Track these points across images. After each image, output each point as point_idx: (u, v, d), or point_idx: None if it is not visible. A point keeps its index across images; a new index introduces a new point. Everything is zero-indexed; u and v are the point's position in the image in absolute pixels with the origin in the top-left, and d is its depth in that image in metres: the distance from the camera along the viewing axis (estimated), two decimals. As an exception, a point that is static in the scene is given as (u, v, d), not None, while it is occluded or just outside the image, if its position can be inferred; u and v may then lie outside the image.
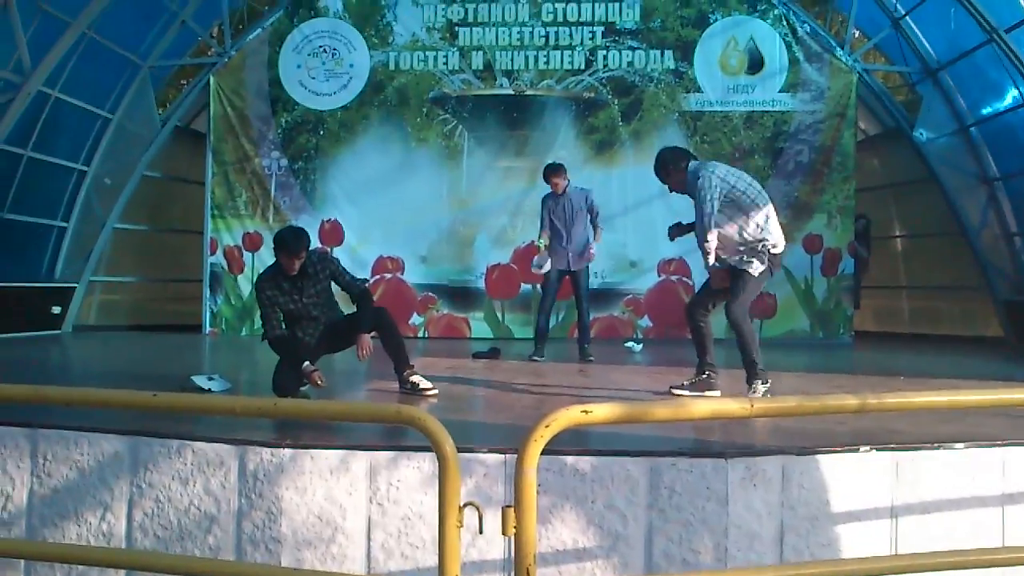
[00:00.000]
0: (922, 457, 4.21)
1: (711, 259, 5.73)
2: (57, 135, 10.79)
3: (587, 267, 8.52)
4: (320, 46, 11.63)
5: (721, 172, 5.74)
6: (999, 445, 4.30)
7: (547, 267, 8.49)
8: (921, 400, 3.20)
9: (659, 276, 11.16)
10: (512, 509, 2.69)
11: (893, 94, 12.22)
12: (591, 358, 8.31)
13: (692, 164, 5.90)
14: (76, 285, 11.36)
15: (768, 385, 5.68)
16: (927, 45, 11.51)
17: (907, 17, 11.33)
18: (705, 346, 5.92)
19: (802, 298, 11.24)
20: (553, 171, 8.40)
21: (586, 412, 2.76)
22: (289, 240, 5.72)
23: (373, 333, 5.93)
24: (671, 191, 6.06)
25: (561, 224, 8.31)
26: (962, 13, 10.04)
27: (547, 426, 2.71)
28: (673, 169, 5.92)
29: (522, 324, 10.99)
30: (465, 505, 2.73)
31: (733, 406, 3.08)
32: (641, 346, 10.03)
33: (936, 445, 4.25)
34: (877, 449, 4.19)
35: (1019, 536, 4.13)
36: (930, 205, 11.73)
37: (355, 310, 6.03)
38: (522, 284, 11.12)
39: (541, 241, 8.37)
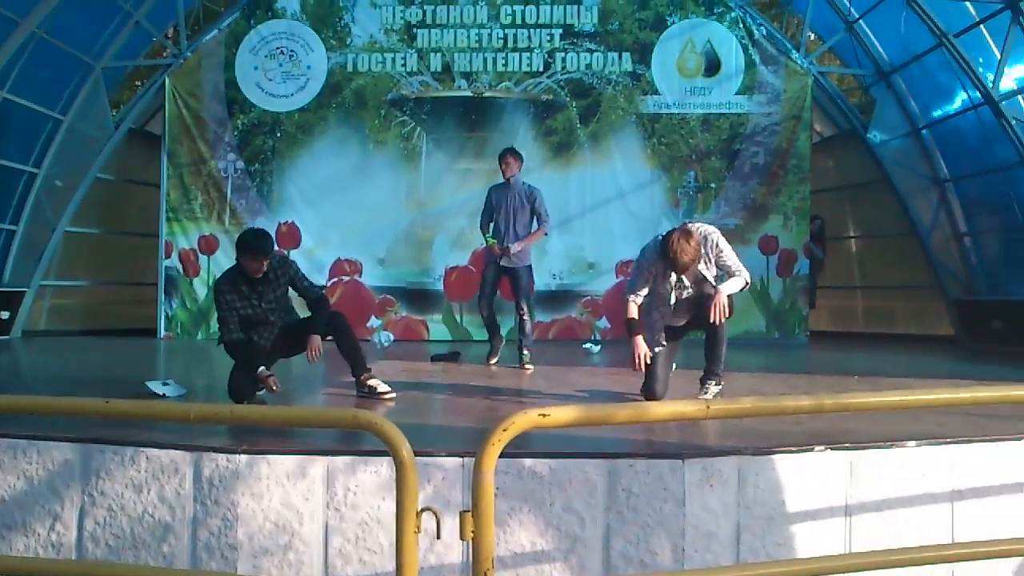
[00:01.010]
0: (875, 456, 4.27)
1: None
2: (6, 137, 10.58)
3: (529, 267, 8.13)
4: (277, 47, 11.53)
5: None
6: (949, 442, 4.37)
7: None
8: (873, 400, 3.24)
9: (617, 277, 11.17)
10: (470, 514, 2.68)
11: (847, 96, 12.39)
12: (529, 366, 7.82)
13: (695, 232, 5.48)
14: (26, 289, 11.13)
15: (721, 387, 5.73)
16: (880, 48, 11.70)
17: (860, 21, 11.50)
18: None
19: (758, 298, 11.35)
20: (511, 151, 8.08)
21: (544, 415, 2.76)
22: (256, 243, 5.65)
23: (329, 337, 5.89)
24: (682, 273, 5.51)
25: (502, 217, 7.94)
26: (913, 18, 10.22)
27: (505, 430, 2.70)
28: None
29: (481, 326, 10.93)
30: (423, 511, 2.72)
31: (690, 408, 3.09)
32: (600, 347, 10.05)
33: (889, 444, 4.31)
34: (832, 448, 4.24)
35: (968, 532, 4.21)
36: (884, 206, 11.92)
37: (310, 314, 5.97)
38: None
39: (489, 238, 7.98)
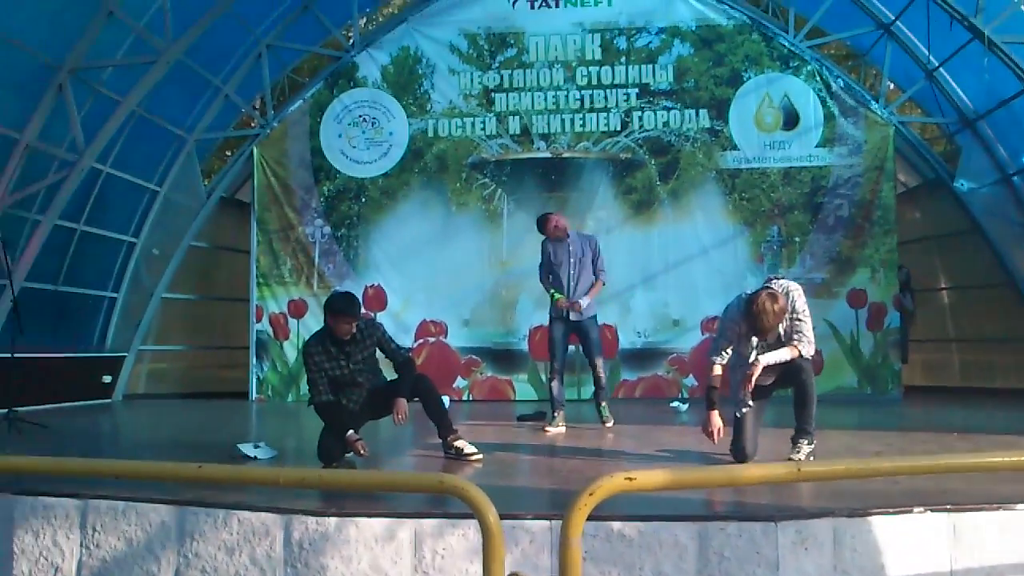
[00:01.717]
0: (981, 518, 4.08)
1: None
2: (108, 209, 11.08)
3: (595, 317, 7.82)
4: (360, 115, 11.86)
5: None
6: (1060, 504, 4.16)
7: None
8: (977, 461, 3.12)
9: (703, 334, 11.03)
10: (558, 580, 2.66)
11: (931, 145, 12.14)
12: (609, 422, 7.72)
13: (780, 295, 5.36)
14: (126, 354, 11.57)
15: (813, 446, 5.58)
16: (963, 95, 11.46)
17: (941, 68, 11.31)
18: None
19: (848, 354, 11.06)
20: (553, 215, 7.85)
21: (630, 479, 2.73)
22: (344, 305, 5.79)
23: (415, 399, 5.95)
24: (764, 336, 5.44)
25: (564, 270, 7.67)
26: (996, 63, 9.99)
27: (591, 494, 2.68)
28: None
29: (567, 385, 10.90)
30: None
31: (781, 471, 3.03)
32: (688, 406, 9.86)
33: (995, 506, 4.12)
34: (932, 510, 4.09)
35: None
36: (975, 256, 11.56)
37: (397, 377, 6.05)
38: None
39: (556, 293, 7.67)
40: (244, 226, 12.10)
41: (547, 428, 7.66)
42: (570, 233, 7.80)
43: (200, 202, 12.08)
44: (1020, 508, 4.13)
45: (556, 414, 7.71)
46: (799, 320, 5.46)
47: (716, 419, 5.63)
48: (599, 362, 7.76)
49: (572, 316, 7.66)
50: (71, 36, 9.46)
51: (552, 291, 7.76)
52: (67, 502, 4.59)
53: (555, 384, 7.77)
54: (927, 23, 10.41)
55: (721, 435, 5.62)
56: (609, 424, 7.69)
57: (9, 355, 8.14)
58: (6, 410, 7.86)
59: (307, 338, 6.15)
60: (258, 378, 11.61)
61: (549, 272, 7.81)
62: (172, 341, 12.52)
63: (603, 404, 7.81)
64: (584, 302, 7.62)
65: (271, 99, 12.12)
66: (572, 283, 7.67)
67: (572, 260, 7.69)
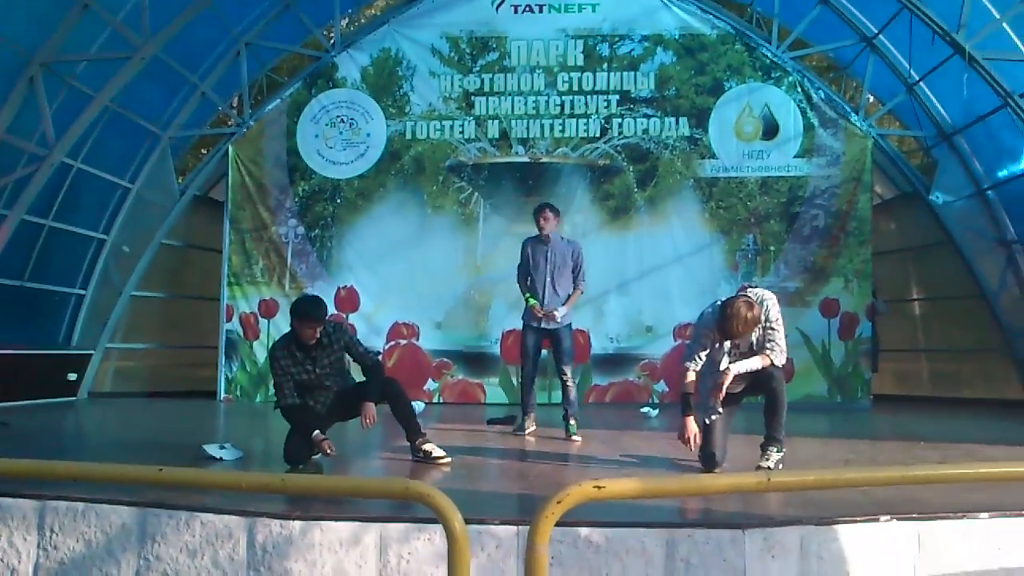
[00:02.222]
0: (946, 527, 4.10)
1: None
2: (78, 204, 10.91)
3: (569, 326, 7.63)
4: (338, 116, 11.78)
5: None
6: (1025, 516, 4.18)
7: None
8: (945, 472, 3.11)
9: (675, 341, 11.05)
10: (523, 586, 2.62)
11: (908, 158, 12.22)
12: (576, 436, 7.25)
13: (756, 303, 5.40)
14: (92, 352, 11.40)
15: (782, 454, 5.57)
16: (941, 110, 11.57)
17: (921, 83, 11.39)
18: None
19: (819, 362, 11.11)
20: (550, 205, 7.64)
21: (599, 488, 2.70)
22: (309, 309, 5.72)
23: (383, 402, 5.90)
24: (736, 342, 5.49)
25: (541, 275, 7.48)
26: (976, 78, 10.07)
27: (558, 502, 2.64)
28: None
29: (538, 390, 10.85)
30: (474, 582, 2.67)
31: (750, 480, 3.01)
32: (658, 411, 9.90)
33: (960, 515, 4.13)
34: (898, 519, 4.09)
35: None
36: (948, 268, 11.66)
37: (365, 380, 6.00)
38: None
39: (532, 298, 7.49)
40: (216, 225, 11.97)
41: (517, 432, 7.62)
42: (553, 237, 7.60)
43: (173, 200, 11.92)
44: (984, 517, 4.15)
45: (527, 419, 7.67)
46: (772, 329, 5.47)
47: (692, 425, 5.56)
48: (568, 370, 7.53)
49: (545, 325, 7.52)
50: (45, 28, 9.30)
51: (528, 295, 7.60)
52: (24, 503, 4.49)
53: (526, 389, 7.70)
54: (909, 37, 10.46)
55: (698, 441, 5.57)
56: (577, 441, 7.20)
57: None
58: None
59: (275, 341, 6.09)
60: (227, 378, 11.50)
61: (527, 275, 7.65)
62: (141, 339, 12.35)
63: (572, 421, 7.37)
64: (560, 312, 7.47)
65: (248, 98, 12.01)
66: (548, 290, 7.51)
67: (549, 267, 7.51)
